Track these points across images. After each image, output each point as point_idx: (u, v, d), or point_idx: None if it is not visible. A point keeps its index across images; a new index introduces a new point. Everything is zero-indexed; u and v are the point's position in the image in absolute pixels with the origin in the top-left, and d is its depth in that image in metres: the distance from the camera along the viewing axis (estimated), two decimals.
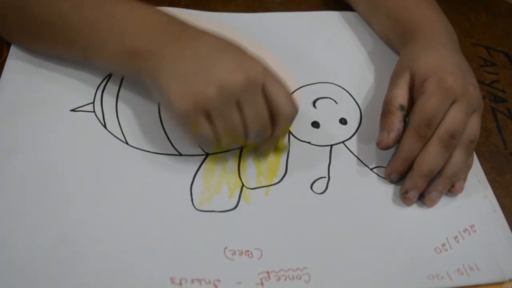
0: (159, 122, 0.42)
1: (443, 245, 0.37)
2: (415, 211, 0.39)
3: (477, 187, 0.41)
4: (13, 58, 0.44)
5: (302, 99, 0.45)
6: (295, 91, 0.46)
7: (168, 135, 0.41)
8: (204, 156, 0.41)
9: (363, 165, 0.41)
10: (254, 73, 0.35)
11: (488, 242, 0.38)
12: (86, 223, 0.36)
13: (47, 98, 0.42)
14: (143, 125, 0.42)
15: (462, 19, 0.54)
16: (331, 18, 0.53)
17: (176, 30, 0.38)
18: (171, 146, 0.41)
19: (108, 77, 0.44)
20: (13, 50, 0.45)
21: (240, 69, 0.35)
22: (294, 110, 0.38)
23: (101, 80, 0.44)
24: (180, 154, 0.40)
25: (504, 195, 0.41)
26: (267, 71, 0.37)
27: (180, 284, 0.34)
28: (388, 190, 0.40)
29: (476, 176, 0.42)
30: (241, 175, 0.40)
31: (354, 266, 0.36)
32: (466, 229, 0.38)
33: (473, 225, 0.39)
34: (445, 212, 0.39)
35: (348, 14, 0.54)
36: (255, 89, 0.35)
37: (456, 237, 0.38)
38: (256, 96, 0.36)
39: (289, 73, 0.46)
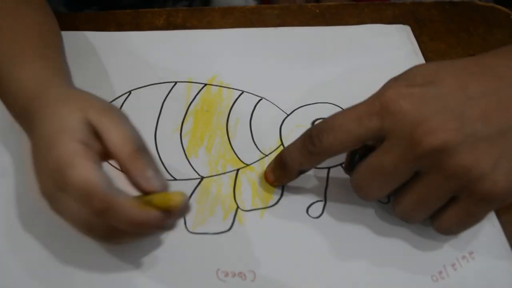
0: (155, 149, 0.42)
1: (440, 272, 0.36)
2: (412, 237, 0.38)
3: None
4: None
5: (301, 119, 0.45)
6: (294, 111, 0.46)
7: (163, 161, 0.42)
8: (199, 180, 0.41)
9: None
10: None
11: (487, 270, 0.37)
12: (76, 247, 0.36)
13: None
14: None
15: (459, 29, 0.54)
16: (331, 34, 0.53)
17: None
18: (166, 172, 0.41)
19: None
20: None
21: None
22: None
23: None
24: (175, 179, 0.41)
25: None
26: None
27: None
28: (385, 215, 0.39)
29: None
30: (236, 197, 0.40)
31: None
32: (464, 256, 0.37)
33: (472, 252, 0.37)
34: (444, 239, 0.38)
35: (347, 29, 0.53)
36: None
37: (454, 265, 0.37)
38: None
39: (288, 91, 0.47)
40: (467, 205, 0.33)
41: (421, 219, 0.35)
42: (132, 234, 0.33)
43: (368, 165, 0.34)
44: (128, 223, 0.31)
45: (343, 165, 0.42)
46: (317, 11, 0.55)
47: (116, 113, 0.34)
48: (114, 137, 0.32)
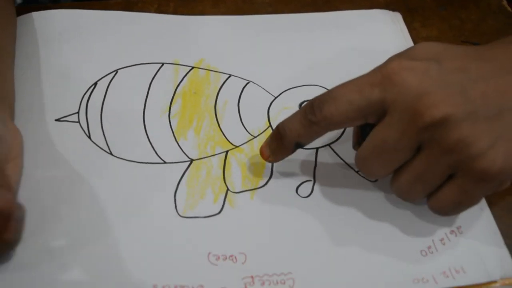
0: (144, 131, 0.42)
1: (429, 247, 0.37)
2: (401, 214, 0.38)
3: None
4: None
5: (289, 102, 0.45)
6: (281, 93, 0.46)
7: (152, 143, 0.42)
8: (188, 163, 0.41)
9: (348, 168, 0.41)
10: None
11: (474, 243, 0.37)
12: (70, 233, 0.36)
13: (31, 107, 0.43)
14: (127, 135, 0.42)
15: (451, 16, 0.53)
16: (319, 20, 0.52)
17: None
18: (156, 155, 0.41)
19: (94, 85, 0.45)
20: None
21: None
22: None
23: (86, 89, 0.44)
24: (164, 162, 0.41)
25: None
26: None
27: None
28: (373, 193, 0.40)
29: None
30: (226, 180, 0.40)
31: (339, 270, 0.36)
32: (452, 230, 0.38)
33: (460, 227, 0.38)
34: (432, 214, 0.39)
35: (338, 14, 0.53)
36: None
37: (442, 239, 0.37)
38: None
39: (276, 74, 0.47)
40: (463, 183, 0.33)
41: (418, 197, 0.35)
42: None
43: (370, 141, 0.34)
44: None
45: (331, 145, 0.42)
46: None
47: None
48: None
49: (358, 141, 0.37)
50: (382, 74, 0.33)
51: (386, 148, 0.33)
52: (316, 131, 0.35)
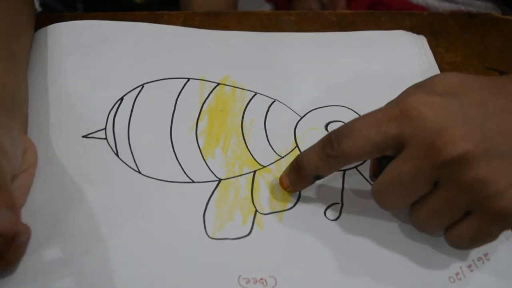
0: (171, 149, 0.42)
1: (457, 274, 0.37)
2: (430, 239, 0.39)
3: None
4: None
5: (315, 122, 0.45)
6: (307, 113, 0.46)
7: (180, 162, 0.41)
8: (217, 182, 0.41)
9: None
10: None
11: (501, 270, 0.38)
12: (98, 253, 0.36)
13: (58, 122, 0.42)
14: (155, 153, 0.41)
15: (475, 41, 0.53)
16: (343, 39, 0.52)
17: None
18: (183, 174, 0.41)
19: (120, 101, 0.44)
20: None
21: None
22: None
23: (112, 105, 0.44)
24: (192, 181, 0.40)
25: None
26: None
27: None
28: (402, 217, 0.40)
29: None
30: (254, 200, 0.40)
31: None
32: (480, 257, 0.38)
33: (487, 254, 0.38)
34: None
35: (363, 34, 0.53)
36: None
37: (470, 266, 0.38)
38: None
39: (301, 93, 0.47)
40: (480, 221, 0.33)
41: (436, 231, 0.35)
42: None
43: (387, 174, 0.34)
44: None
45: (358, 167, 0.42)
46: (334, 18, 0.54)
47: None
48: None
49: (375, 173, 0.37)
50: (400, 109, 0.33)
51: (403, 182, 0.33)
52: (334, 164, 0.36)
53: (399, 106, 0.33)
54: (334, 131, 0.36)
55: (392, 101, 0.35)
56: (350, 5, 0.70)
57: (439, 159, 0.32)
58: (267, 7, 0.70)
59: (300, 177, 0.38)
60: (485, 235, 0.34)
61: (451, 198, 0.33)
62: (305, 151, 0.37)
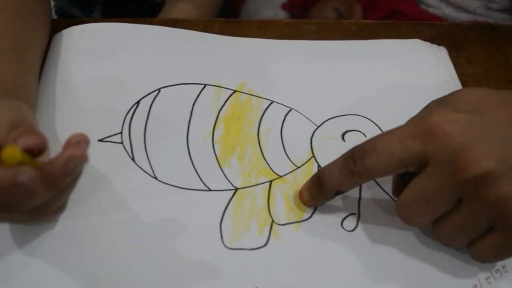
0: (188, 155, 0.42)
1: (475, 286, 0.37)
2: (448, 251, 0.38)
3: None
4: None
5: (331, 132, 0.45)
6: (323, 122, 0.45)
7: (197, 169, 0.41)
8: (233, 191, 0.40)
9: (393, 201, 0.41)
10: None
11: None
12: (113, 259, 0.36)
13: (75, 125, 0.42)
14: (171, 159, 0.41)
15: (496, 52, 0.53)
16: (362, 48, 0.52)
17: None
18: (200, 181, 0.40)
19: (136, 104, 0.44)
20: None
21: None
22: None
23: (128, 108, 0.44)
24: (209, 190, 0.40)
25: None
26: None
27: None
28: (418, 229, 0.39)
29: None
30: (270, 211, 0.40)
31: None
32: (497, 269, 0.38)
33: (505, 265, 0.38)
34: None
35: (381, 42, 0.52)
36: None
37: (488, 278, 0.37)
38: None
39: (317, 102, 0.47)
40: (503, 237, 0.33)
41: (459, 245, 0.36)
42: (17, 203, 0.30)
43: (411, 191, 0.34)
44: None
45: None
46: (354, 28, 0.53)
47: None
48: None
49: (398, 188, 0.37)
50: (423, 127, 0.33)
51: (426, 199, 0.33)
52: (357, 180, 0.36)
53: (422, 124, 0.33)
54: (357, 147, 0.35)
55: (415, 117, 0.35)
56: (367, 14, 0.69)
57: (462, 178, 0.32)
58: (281, 14, 0.69)
59: (321, 192, 0.38)
60: (508, 250, 0.34)
61: (475, 215, 0.33)
62: (326, 166, 0.37)
